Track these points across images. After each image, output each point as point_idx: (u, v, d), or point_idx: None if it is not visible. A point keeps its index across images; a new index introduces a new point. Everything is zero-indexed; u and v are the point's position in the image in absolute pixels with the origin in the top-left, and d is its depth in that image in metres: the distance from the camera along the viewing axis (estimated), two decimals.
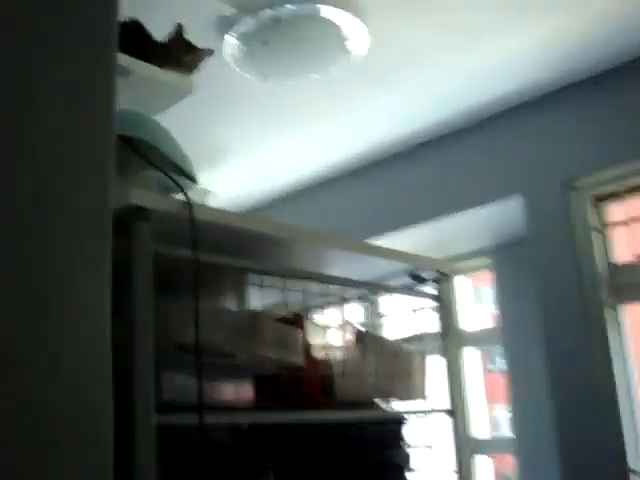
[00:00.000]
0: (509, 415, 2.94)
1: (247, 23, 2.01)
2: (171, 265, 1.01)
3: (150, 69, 1.63)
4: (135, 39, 1.64)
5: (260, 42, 2.06)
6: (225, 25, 2.02)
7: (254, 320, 1.14)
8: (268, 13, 1.98)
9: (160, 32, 1.69)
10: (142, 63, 1.61)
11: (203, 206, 1.18)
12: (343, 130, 2.80)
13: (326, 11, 1.99)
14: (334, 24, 2.03)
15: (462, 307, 3.30)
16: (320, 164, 3.13)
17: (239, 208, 3.60)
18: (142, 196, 1.01)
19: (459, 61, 2.33)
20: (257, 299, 1.21)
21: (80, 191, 0.68)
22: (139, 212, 0.99)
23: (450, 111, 2.71)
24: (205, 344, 1.00)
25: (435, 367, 1.42)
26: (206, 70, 2.07)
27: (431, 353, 1.46)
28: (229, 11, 1.97)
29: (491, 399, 3.20)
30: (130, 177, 1.17)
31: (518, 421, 2.88)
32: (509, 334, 2.92)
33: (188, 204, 1.01)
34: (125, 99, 1.37)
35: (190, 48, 1.73)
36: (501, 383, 2.98)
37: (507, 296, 2.98)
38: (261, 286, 1.16)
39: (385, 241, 2.97)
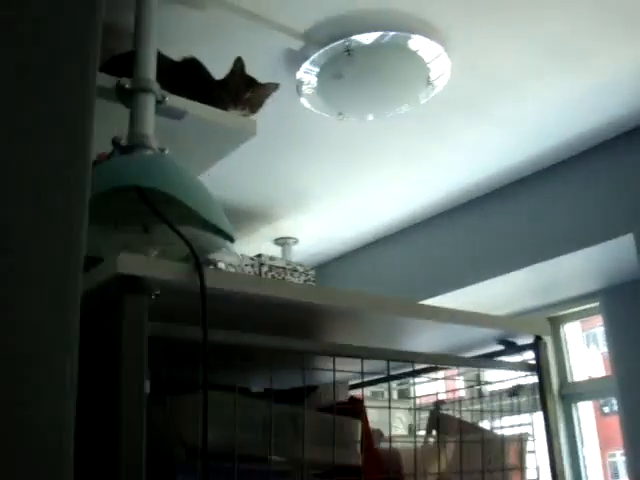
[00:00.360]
0: (625, 460, 2.74)
1: (318, 56, 1.86)
2: (186, 345, 0.82)
3: (207, 110, 1.51)
4: (191, 78, 1.56)
5: (333, 76, 1.89)
6: (295, 60, 1.89)
7: (295, 412, 0.93)
8: (340, 45, 1.80)
9: (225, 70, 1.59)
10: (198, 104, 1.49)
11: (220, 272, 0.98)
12: (430, 168, 2.63)
13: (403, 39, 1.80)
14: (414, 52, 1.84)
15: (572, 355, 3.10)
16: (407, 206, 2.97)
17: (323, 257, 3.42)
18: (135, 262, 0.81)
19: (556, 88, 2.11)
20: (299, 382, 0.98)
21: (33, 252, 0.50)
22: (128, 282, 0.80)
23: (548, 143, 2.48)
24: (229, 446, 0.81)
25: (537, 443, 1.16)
26: (281, 110, 2.03)
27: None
28: (298, 45, 1.82)
29: (607, 444, 3.03)
30: (149, 236, 0.99)
31: (634, 466, 2.63)
32: (623, 379, 2.69)
33: (199, 270, 0.81)
34: (180, 143, 1.28)
35: (252, 84, 1.61)
36: (616, 427, 2.77)
37: (620, 339, 2.73)
38: (307, 368, 0.93)
39: (484, 286, 2.77)
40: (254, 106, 1.57)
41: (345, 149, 2.44)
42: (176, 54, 1.53)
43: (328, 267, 3.48)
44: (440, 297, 2.91)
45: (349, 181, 2.69)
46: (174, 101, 1.43)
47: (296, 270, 2.95)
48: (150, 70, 1.36)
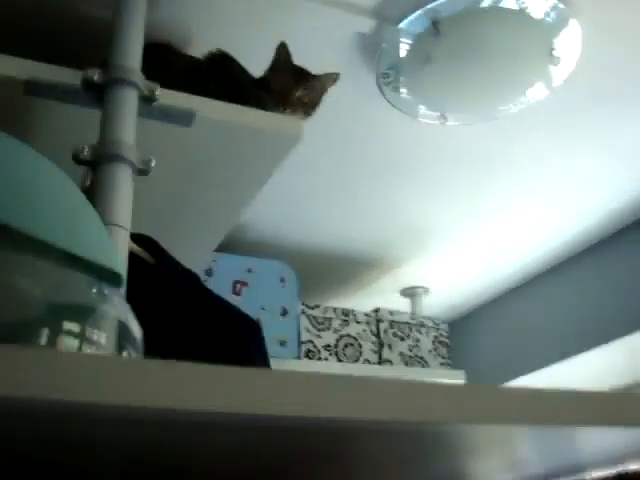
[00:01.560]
0: None
1: (395, 36, 1.41)
2: None
3: (228, 110, 1.12)
4: (219, 79, 1.25)
5: (421, 60, 1.43)
6: (369, 48, 1.46)
7: None
8: (421, 16, 1.36)
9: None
10: (212, 102, 1.11)
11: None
12: (580, 182, 2.02)
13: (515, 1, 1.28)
14: (526, 16, 1.30)
15: None
16: (558, 238, 2.35)
17: (460, 307, 2.86)
18: None
19: None
20: None
21: None
22: None
23: None
24: None
25: None
26: (366, 123, 1.68)
27: None
28: (369, 26, 1.39)
29: None
30: None
31: None
32: None
33: None
34: (196, 153, 1.07)
35: (302, 77, 1.25)
36: None
37: None
38: None
39: None
40: (308, 106, 1.23)
41: (462, 165, 1.94)
42: (211, 44, 1.27)
43: (468, 319, 2.90)
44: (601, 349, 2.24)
45: (480, 208, 2.17)
46: (176, 99, 1.07)
47: (423, 325, 2.50)
48: (130, 55, 1.01)
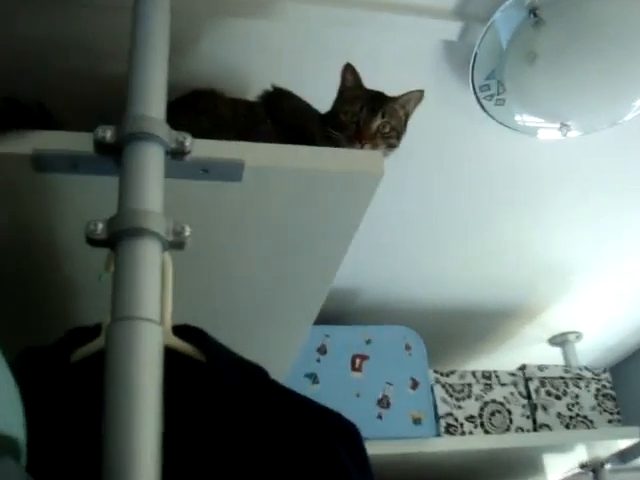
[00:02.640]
0: None
1: (488, 35, 1.21)
2: None
3: (291, 154, 0.95)
4: (278, 115, 1.14)
5: (523, 60, 1.21)
6: (457, 56, 1.29)
7: None
8: (515, 4, 1.14)
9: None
10: (265, 147, 0.94)
11: None
12: None
13: None
14: None
15: None
16: None
17: (619, 351, 2.52)
18: None
19: None
20: None
21: None
22: None
23: None
24: None
25: None
26: (472, 146, 1.51)
27: None
28: (453, 30, 1.22)
29: None
30: None
31: None
32: None
33: None
34: (257, 213, 0.96)
35: (378, 101, 1.12)
36: None
37: None
38: None
39: None
40: (391, 136, 1.11)
41: (595, 184, 1.68)
42: (266, 84, 1.16)
43: (630, 362, 2.54)
44: None
45: (626, 235, 1.90)
46: (216, 149, 0.90)
47: (581, 377, 2.16)
48: (149, 102, 0.82)
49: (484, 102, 1.33)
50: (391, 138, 1.08)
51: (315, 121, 1.10)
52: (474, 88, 1.31)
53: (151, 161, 0.77)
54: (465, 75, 1.29)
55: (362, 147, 1.04)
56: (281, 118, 1.10)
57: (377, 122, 1.07)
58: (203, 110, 1.08)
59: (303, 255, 1.05)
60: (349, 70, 1.12)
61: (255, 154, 0.89)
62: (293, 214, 0.97)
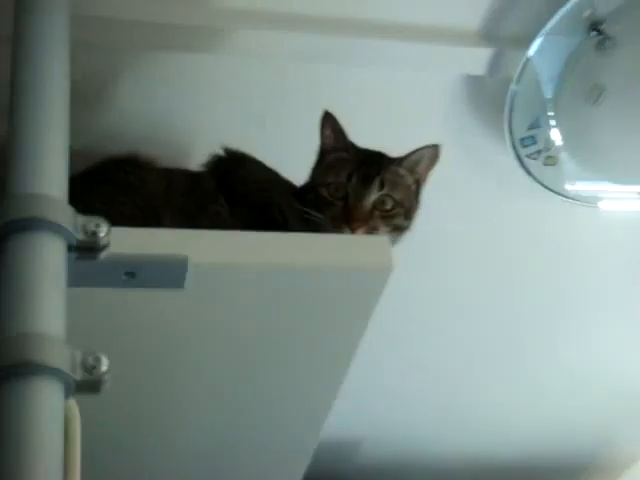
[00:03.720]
0: None
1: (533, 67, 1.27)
2: None
3: (247, 246, 0.97)
4: (232, 188, 1.21)
5: (585, 100, 1.28)
6: (485, 96, 1.37)
7: None
8: (562, 23, 1.20)
9: None
10: (229, 237, 0.98)
11: None
12: None
13: None
14: None
15: None
16: None
17: None
18: None
19: None
20: None
21: None
22: None
23: None
24: None
25: None
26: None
27: None
28: (480, 59, 1.28)
29: None
30: None
31: None
32: None
33: None
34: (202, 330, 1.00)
35: (375, 165, 1.18)
36: None
37: None
38: None
39: None
40: (397, 214, 1.17)
41: None
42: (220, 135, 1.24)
43: None
44: None
45: None
46: (147, 240, 0.91)
47: None
48: (48, 176, 0.83)
49: (527, 161, 1.38)
50: (396, 217, 1.12)
51: (287, 197, 1.15)
52: (512, 142, 1.35)
53: (46, 261, 0.76)
54: (499, 123, 1.33)
55: (353, 232, 1.09)
56: (239, 194, 1.14)
57: (373, 196, 1.10)
58: (124, 185, 1.11)
59: (280, 389, 1.10)
60: (328, 123, 1.15)
61: (204, 247, 0.90)
62: (262, 331, 1.00)
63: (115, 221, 0.78)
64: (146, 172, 1.15)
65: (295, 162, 1.19)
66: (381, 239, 1.01)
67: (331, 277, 0.95)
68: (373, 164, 1.14)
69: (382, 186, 1.11)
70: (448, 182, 1.22)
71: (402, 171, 1.14)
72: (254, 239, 0.94)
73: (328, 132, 1.16)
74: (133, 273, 0.87)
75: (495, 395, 1.95)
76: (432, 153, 1.15)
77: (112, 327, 0.92)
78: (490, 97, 1.33)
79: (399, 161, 1.15)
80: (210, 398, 1.10)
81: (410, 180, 1.15)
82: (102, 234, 0.77)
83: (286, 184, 1.18)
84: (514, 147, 1.35)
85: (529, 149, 1.36)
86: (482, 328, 1.78)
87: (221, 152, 1.20)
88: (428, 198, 1.15)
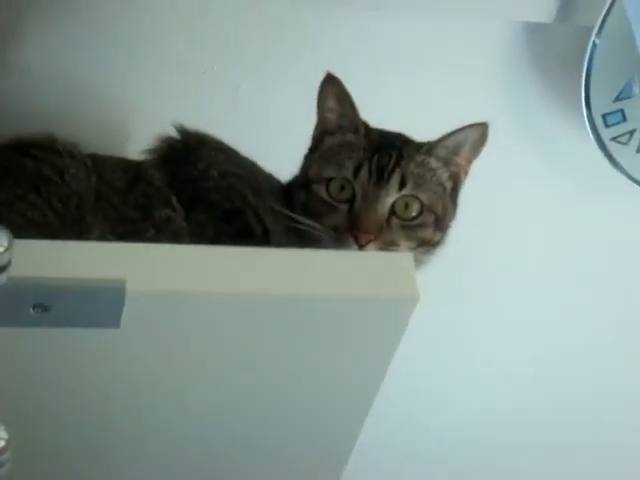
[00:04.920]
0: None
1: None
2: None
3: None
4: (191, 187, 1.24)
5: None
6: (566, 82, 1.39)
7: None
8: None
9: None
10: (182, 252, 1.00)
11: None
12: None
13: None
14: None
15: None
16: None
17: None
18: None
19: None
20: None
21: None
22: None
23: None
24: None
25: None
26: None
27: None
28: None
29: None
30: None
31: None
32: None
33: None
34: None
35: (390, 151, 1.21)
36: None
37: None
38: None
39: None
40: (425, 225, 1.21)
41: None
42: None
43: None
44: None
45: None
46: (56, 262, 0.92)
47: None
48: None
49: (612, 146, 1.41)
50: (423, 228, 1.16)
51: (267, 197, 1.16)
52: (591, 119, 1.38)
53: None
54: (572, 92, 1.37)
55: (361, 248, 1.10)
56: (198, 193, 1.15)
57: (391, 198, 1.13)
58: (35, 180, 1.11)
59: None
60: (332, 90, 1.18)
61: (148, 268, 0.91)
62: (232, 387, 1.05)
63: (20, 231, 0.79)
64: (67, 161, 1.14)
65: (279, 147, 1.19)
66: (402, 257, 1.02)
67: (331, 311, 0.98)
68: (392, 151, 1.16)
69: (404, 183, 1.13)
70: (499, 174, 1.28)
71: (433, 162, 1.17)
72: (222, 256, 0.94)
73: (331, 104, 1.18)
74: (46, 306, 0.87)
75: None
76: (477, 135, 1.17)
77: (15, 384, 0.93)
78: (561, 54, 1.38)
79: (429, 147, 1.17)
80: None
81: (444, 175, 1.18)
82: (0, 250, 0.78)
83: (266, 178, 1.20)
84: (593, 126, 1.37)
85: (615, 129, 1.39)
86: None
87: (173, 133, 1.20)
88: (470, 197, 1.18)
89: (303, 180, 1.16)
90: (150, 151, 1.20)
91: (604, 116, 1.35)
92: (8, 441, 0.76)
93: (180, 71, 1.39)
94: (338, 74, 1.17)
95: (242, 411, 1.09)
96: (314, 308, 0.97)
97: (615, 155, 1.40)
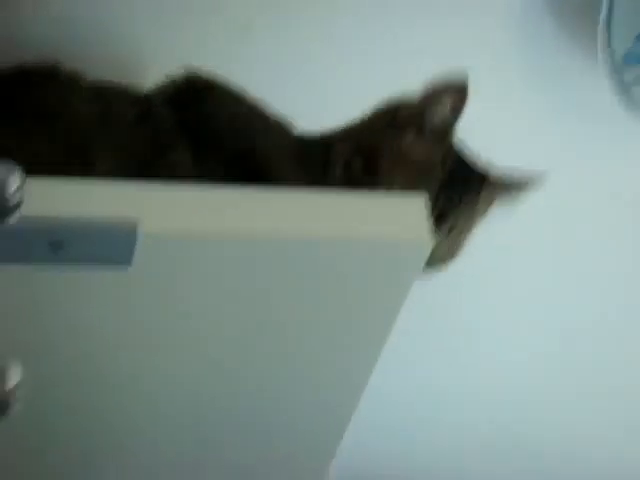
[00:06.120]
0: None
1: None
2: None
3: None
4: (201, 128, 1.24)
5: None
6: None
7: None
8: None
9: None
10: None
11: None
12: None
13: None
14: None
15: None
16: None
17: None
18: None
19: None
20: None
21: None
22: None
23: None
24: None
25: None
26: None
27: None
28: None
29: None
30: None
31: None
32: None
33: None
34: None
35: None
36: None
37: None
38: None
39: None
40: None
41: None
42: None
43: None
44: None
45: None
46: (69, 200, 0.93)
47: None
48: None
49: (636, 90, 1.38)
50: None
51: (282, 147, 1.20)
52: (611, 58, 1.38)
53: None
54: (587, 24, 1.36)
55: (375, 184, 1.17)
56: (207, 136, 1.17)
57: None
58: (40, 110, 1.11)
59: (289, 399, 1.19)
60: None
61: (162, 208, 0.92)
62: (247, 327, 1.05)
63: (28, 166, 0.80)
64: (71, 91, 1.16)
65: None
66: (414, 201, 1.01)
67: (346, 249, 0.98)
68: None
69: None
70: (502, 126, 1.31)
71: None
72: (236, 197, 0.95)
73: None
74: (60, 242, 0.88)
75: None
76: (452, 97, 1.20)
77: (29, 323, 0.93)
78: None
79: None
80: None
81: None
82: (11, 188, 0.79)
83: (277, 123, 1.22)
84: (613, 67, 1.37)
85: (635, 70, 1.38)
86: None
87: (182, 75, 1.22)
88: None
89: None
90: (159, 90, 1.21)
91: (625, 56, 1.36)
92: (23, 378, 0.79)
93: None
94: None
95: (243, 371, 1.11)
96: (321, 251, 0.98)
97: (637, 97, 1.41)
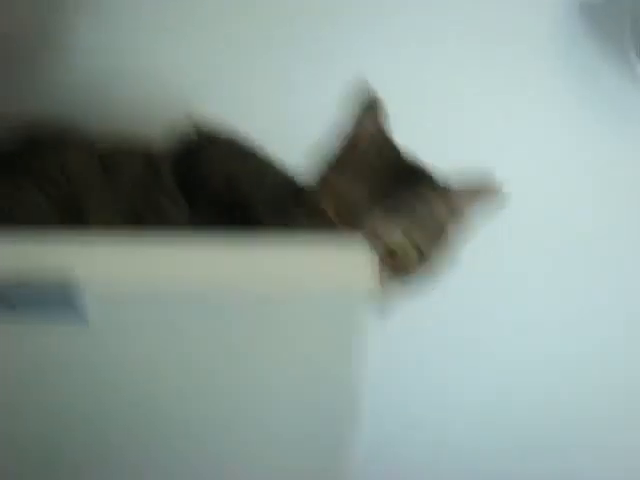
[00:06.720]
0: None
1: None
2: None
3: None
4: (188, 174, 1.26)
5: None
6: None
7: None
8: None
9: None
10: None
11: None
12: None
13: None
14: None
15: None
16: None
17: None
18: None
19: None
20: None
21: None
22: None
23: None
24: None
25: None
26: None
27: None
28: None
29: None
30: None
31: None
32: None
33: None
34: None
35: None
36: None
37: None
38: None
39: None
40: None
41: None
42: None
43: None
44: None
45: None
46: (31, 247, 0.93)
47: None
48: None
49: None
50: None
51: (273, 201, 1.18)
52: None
53: None
54: (613, 27, 1.37)
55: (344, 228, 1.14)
56: (203, 197, 1.18)
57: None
58: (36, 180, 1.14)
59: None
60: (375, 105, 1.19)
61: (101, 264, 0.92)
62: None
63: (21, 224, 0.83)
64: (74, 157, 1.18)
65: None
66: (356, 246, 1.00)
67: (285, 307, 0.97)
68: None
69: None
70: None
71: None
72: (179, 251, 0.94)
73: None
74: (12, 303, 0.91)
75: None
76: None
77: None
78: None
79: None
80: None
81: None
82: None
83: (276, 178, 1.23)
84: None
85: None
86: None
87: (191, 133, 1.24)
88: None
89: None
90: (165, 147, 1.22)
91: None
92: None
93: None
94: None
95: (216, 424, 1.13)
96: (262, 304, 0.96)
97: None
